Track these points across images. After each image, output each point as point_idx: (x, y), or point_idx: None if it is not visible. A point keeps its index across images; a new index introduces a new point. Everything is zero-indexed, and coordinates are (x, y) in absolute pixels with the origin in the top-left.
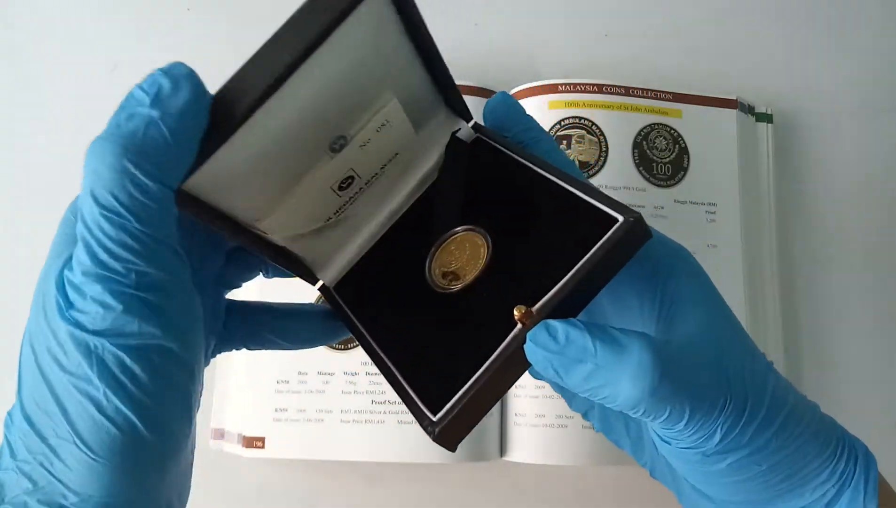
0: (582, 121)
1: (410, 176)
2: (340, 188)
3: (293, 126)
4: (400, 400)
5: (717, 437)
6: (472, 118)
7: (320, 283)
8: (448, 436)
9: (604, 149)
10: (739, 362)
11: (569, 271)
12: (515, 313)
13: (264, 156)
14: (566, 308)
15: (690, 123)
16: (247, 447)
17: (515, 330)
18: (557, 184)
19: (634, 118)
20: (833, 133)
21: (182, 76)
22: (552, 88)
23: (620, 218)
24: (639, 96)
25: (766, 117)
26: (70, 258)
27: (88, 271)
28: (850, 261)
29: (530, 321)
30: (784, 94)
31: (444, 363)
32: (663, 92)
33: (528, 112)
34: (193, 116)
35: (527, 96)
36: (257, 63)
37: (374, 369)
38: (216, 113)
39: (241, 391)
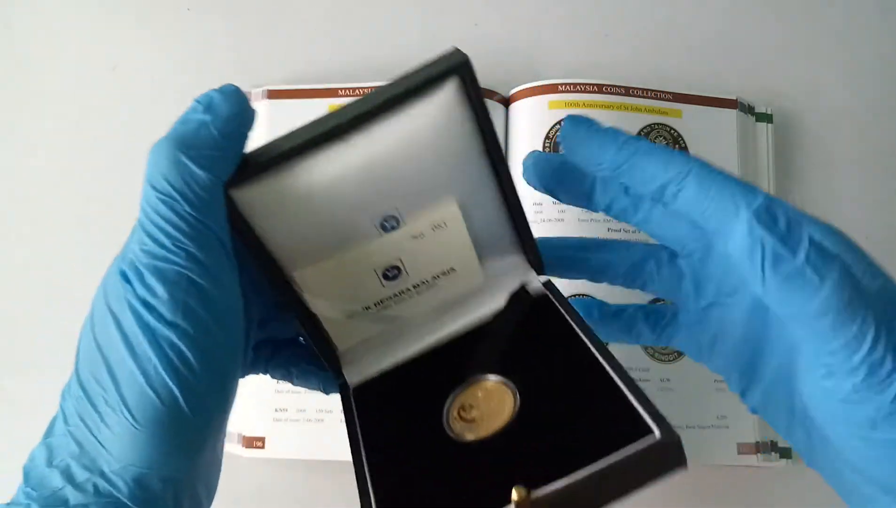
0: None
1: (468, 310)
2: (385, 277)
3: (346, 183)
4: None
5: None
6: (544, 272)
7: (342, 379)
8: None
9: None
10: None
11: (583, 466)
12: (514, 494)
13: (311, 202)
14: (568, 504)
15: (690, 123)
16: (247, 447)
17: None
18: (606, 371)
19: (634, 118)
20: (833, 133)
21: (231, 92)
22: (552, 88)
23: (657, 433)
24: (639, 96)
25: (766, 117)
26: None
27: (145, 248)
28: None
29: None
30: (784, 94)
31: None
32: (663, 92)
33: (528, 116)
34: (239, 123)
35: (527, 96)
36: (332, 114)
37: None
38: (275, 146)
39: (241, 392)
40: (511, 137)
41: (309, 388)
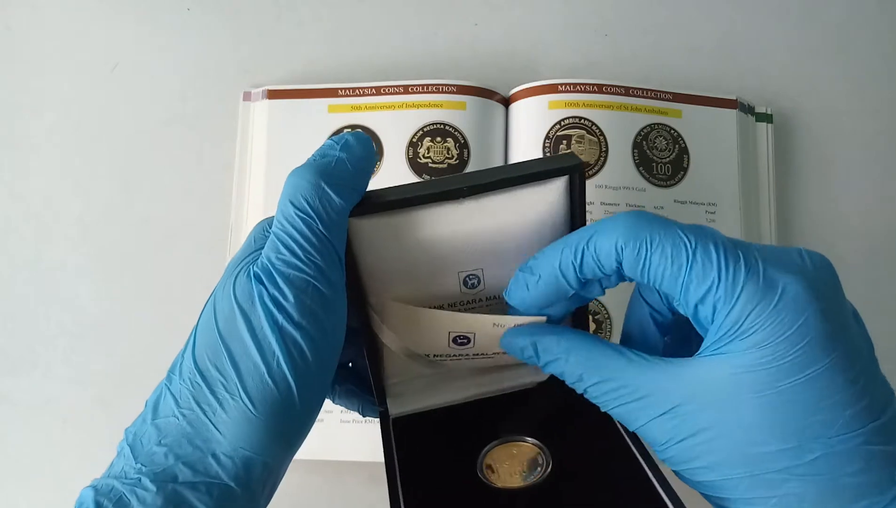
0: (582, 121)
1: (514, 377)
2: (455, 342)
3: (447, 237)
4: None
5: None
6: None
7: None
8: None
9: (604, 149)
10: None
11: None
12: None
13: (412, 245)
14: None
15: (690, 123)
16: None
17: None
18: (638, 460)
19: (634, 118)
20: (833, 133)
21: (362, 137)
22: (552, 88)
23: None
24: (639, 96)
25: (766, 117)
26: (254, 261)
27: (280, 257)
28: (850, 261)
29: None
30: (784, 94)
31: None
32: (663, 92)
33: (528, 116)
34: (367, 162)
35: (527, 96)
36: (453, 178)
37: None
38: (397, 191)
39: None
40: (511, 137)
41: (348, 407)
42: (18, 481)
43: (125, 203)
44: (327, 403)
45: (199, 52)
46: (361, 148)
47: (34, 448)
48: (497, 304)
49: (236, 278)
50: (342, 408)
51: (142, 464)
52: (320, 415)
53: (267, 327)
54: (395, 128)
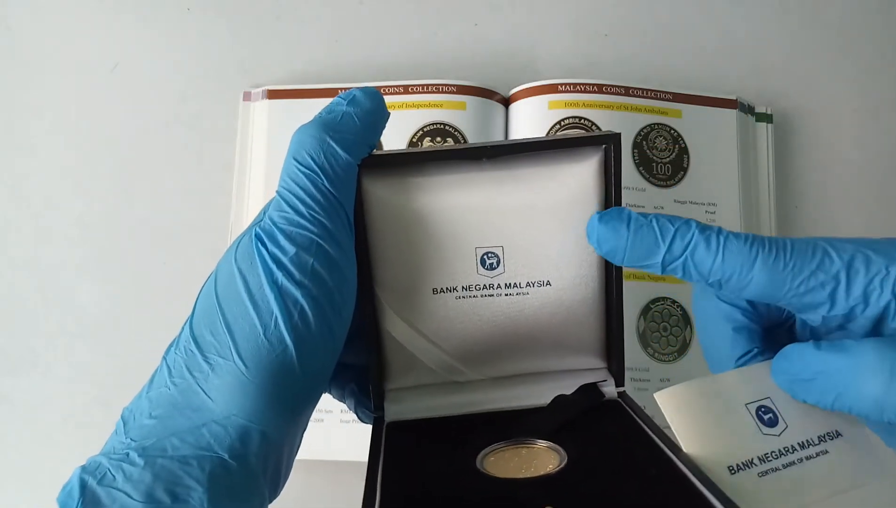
0: (582, 121)
1: (533, 390)
2: (761, 419)
3: (465, 206)
4: None
5: None
6: (623, 386)
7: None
8: None
9: None
10: None
11: None
12: None
13: (427, 211)
14: None
15: (690, 123)
16: None
17: None
18: (679, 468)
19: (634, 118)
20: (833, 133)
21: (371, 91)
22: (552, 88)
23: None
24: (639, 96)
25: (766, 117)
26: (258, 224)
27: (283, 215)
28: None
29: None
30: (784, 94)
31: None
32: (663, 92)
33: (528, 116)
34: (376, 116)
35: (527, 96)
36: (478, 143)
37: None
38: (414, 149)
39: None
40: (511, 137)
41: (350, 409)
42: (18, 481)
43: (125, 203)
44: (327, 403)
45: (199, 52)
46: (370, 101)
47: (34, 447)
48: (516, 295)
49: (240, 242)
50: (343, 408)
51: (131, 439)
52: (320, 415)
53: (266, 285)
54: (396, 128)
